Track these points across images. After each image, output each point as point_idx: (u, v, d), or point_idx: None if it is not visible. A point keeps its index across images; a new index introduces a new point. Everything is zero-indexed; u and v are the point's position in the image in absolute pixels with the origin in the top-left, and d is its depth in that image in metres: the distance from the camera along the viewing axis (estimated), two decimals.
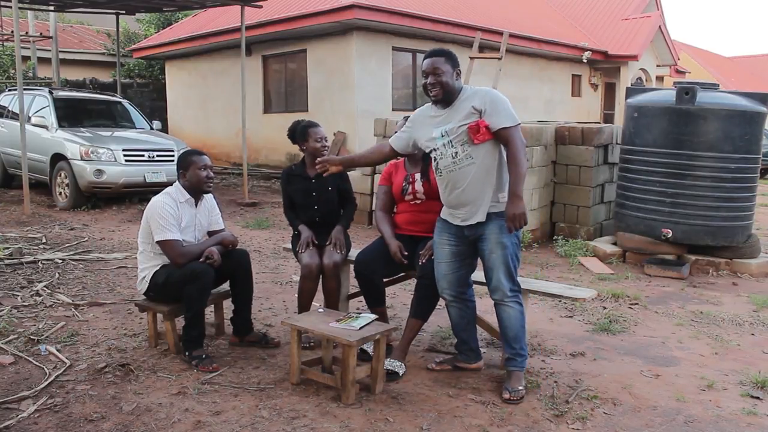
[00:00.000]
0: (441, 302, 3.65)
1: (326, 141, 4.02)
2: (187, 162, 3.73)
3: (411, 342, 3.67)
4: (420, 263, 3.56)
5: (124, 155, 8.64)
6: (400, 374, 3.44)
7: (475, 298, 3.61)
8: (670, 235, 6.15)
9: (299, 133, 4.03)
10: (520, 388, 3.25)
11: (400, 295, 5.10)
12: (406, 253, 3.64)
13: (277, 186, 11.92)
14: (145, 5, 12.51)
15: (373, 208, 8.00)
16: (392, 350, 3.64)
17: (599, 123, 13.86)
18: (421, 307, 3.58)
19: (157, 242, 3.59)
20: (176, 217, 3.63)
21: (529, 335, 4.13)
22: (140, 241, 3.75)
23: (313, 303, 3.95)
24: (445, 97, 3.18)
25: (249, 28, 11.26)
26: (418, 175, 3.72)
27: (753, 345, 4.19)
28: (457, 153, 3.17)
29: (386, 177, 3.92)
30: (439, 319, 4.46)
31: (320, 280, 3.92)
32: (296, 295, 4.02)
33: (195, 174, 3.70)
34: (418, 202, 3.75)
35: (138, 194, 9.03)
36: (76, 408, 3.01)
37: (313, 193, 4.01)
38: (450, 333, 4.19)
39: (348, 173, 4.14)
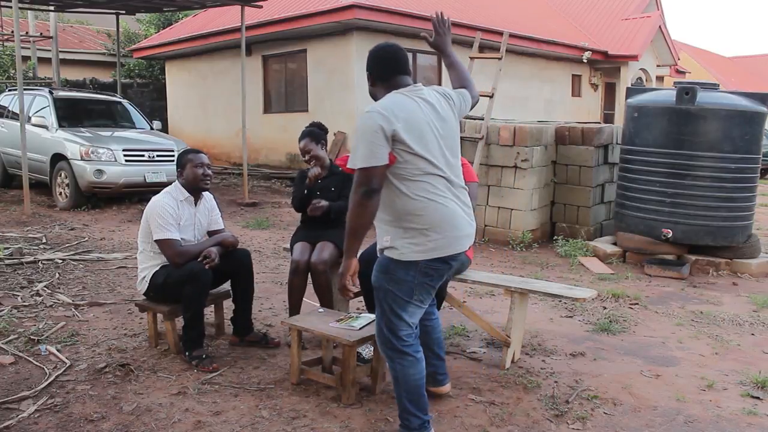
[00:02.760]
0: (444, 303, 3.65)
1: (307, 153, 4.07)
2: (184, 160, 3.76)
3: None
4: None
5: (124, 155, 8.63)
6: None
7: (433, 322, 3.15)
8: (670, 235, 6.15)
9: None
10: None
11: None
12: None
13: (278, 186, 11.94)
14: (145, 5, 12.50)
15: None
16: None
17: (599, 123, 13.85)
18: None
19: (156, 241, 3.59)
20: (175, 217, 3.64)
21: (529, 335, 4.14)
22: (140, 241, 3.76)
23: (313, 303, 3.96)
24: None
25: (249, 28, 11.26)
26: None
27: (753, 345, 4.19)
28: None
29: None
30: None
31: (311, 278, 3.98)
32: None
33: (191, 172, 3.72)
34: None
35: (138, 194, 9.02)
36: (76, 408, 3.01)
37: (317, 192, 4.11)
38: (449, 333, 4.20)
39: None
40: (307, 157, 4.07)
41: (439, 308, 3.63)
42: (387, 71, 2.70)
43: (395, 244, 2.57)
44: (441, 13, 2.98)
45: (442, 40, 2.99)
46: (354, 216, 2.48)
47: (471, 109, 2.98)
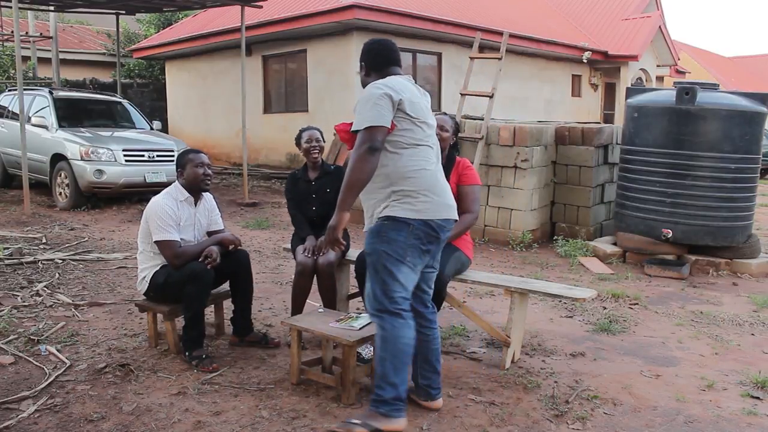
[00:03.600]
0: (445, 303, 3.65)
1: (317, 141, 4.16)
2: (184, 160, 3.76)
3: None
4: None
5: (124, 155, 8.64)
6: None
7: (433, 332, 3.06)
8: (670, 235, 6.15)
9: (296, 139, 4.23)
10: (356, 422, 2.65)
11: None
12: None
13: (278, 186, 11.92)
14: (145, 5, 12.51)
15: None
16: None
17: (599, 123, 13.86)
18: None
19: (155, 242, 3.59)
20: (175, 218, 3.64)
21: (528, 335, 4.14)
22: (140, 241, 3.75)
23: (313, 303, 3.96)
24: None
25: (249, 28, 11.26)
26: None
27: (753, 345, 4.19)
28: None
29: None
30: (438, 319, 4.46)
31: (316, 279, 3.98)
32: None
33: (192, 171, 3.72)
34: None
35: (138, 194, 9.02)
36: (76, 408, 3.01)
37: (313, 195, 4.15)
38: (449, 333, 4.20)
39: None
40: (314, 143, 4.13)
41: (439, 309, 3.63)
42: (381, 62, 2.91)
43: (387, 204, 2.75)
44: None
45: None
46: (354, 172, 2.63)
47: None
